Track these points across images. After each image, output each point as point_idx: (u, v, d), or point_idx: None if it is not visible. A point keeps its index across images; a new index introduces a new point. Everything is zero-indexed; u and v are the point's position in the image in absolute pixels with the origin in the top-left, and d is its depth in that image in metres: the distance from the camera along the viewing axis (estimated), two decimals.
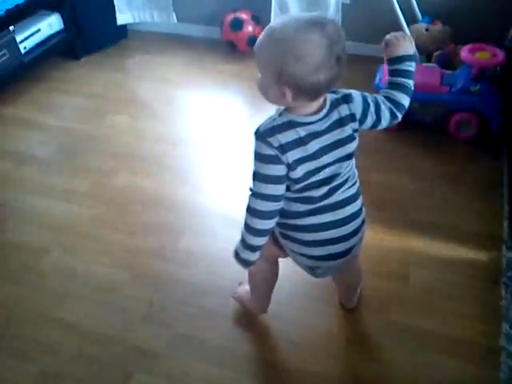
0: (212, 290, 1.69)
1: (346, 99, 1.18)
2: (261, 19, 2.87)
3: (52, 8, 2.85)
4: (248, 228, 1.22)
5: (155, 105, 2.62)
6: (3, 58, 2.45)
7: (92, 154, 2.30)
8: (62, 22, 2.88)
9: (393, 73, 1.25)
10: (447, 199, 1.98)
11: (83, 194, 2.09)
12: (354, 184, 1.26)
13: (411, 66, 1.23)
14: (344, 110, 1.17)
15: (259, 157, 1.15)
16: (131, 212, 2.00)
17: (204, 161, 2.24)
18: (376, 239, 1.80)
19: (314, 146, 1.14)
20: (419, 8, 2.49)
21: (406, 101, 1.24)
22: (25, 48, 2.67)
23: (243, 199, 1.20)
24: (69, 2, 2.86)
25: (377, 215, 1.85)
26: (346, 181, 1.23)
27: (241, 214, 1.23)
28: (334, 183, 1.20)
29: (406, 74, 1.23)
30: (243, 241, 1.26)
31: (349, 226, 1.26)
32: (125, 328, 1.60)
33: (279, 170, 1.14)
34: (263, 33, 1.09)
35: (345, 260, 1.31)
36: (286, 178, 1.16)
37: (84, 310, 1.66)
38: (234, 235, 1.28)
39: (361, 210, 1.29)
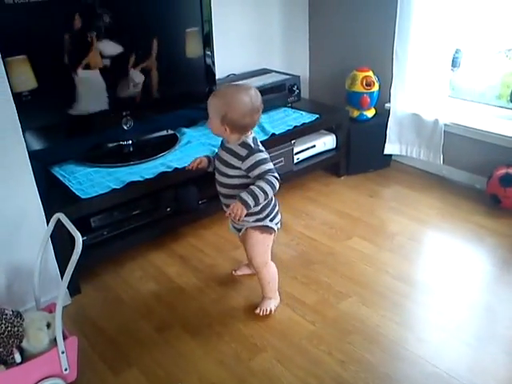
0: None
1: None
2: None
3: (331, 129, 3.17)
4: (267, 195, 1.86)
5: (401, 239, 2.60)
6: (279, 164, 2.77)
7: (328, 271, 2.37)
8: (335, 142, 3.16)
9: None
10: None
11: (309, 306, 2.14)
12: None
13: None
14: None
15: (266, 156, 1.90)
16: (348, 342, 1.96)
17: (439, 312, 2.10)
18: None
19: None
20: None
21: None
22: (298, 159, 2.99)
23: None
24: (346, 127, 3.14)
25: None
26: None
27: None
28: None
29: None
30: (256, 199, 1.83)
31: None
32: None
33: None
34: (213, 92, 1.89)
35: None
36: None
37: None
38: None
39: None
